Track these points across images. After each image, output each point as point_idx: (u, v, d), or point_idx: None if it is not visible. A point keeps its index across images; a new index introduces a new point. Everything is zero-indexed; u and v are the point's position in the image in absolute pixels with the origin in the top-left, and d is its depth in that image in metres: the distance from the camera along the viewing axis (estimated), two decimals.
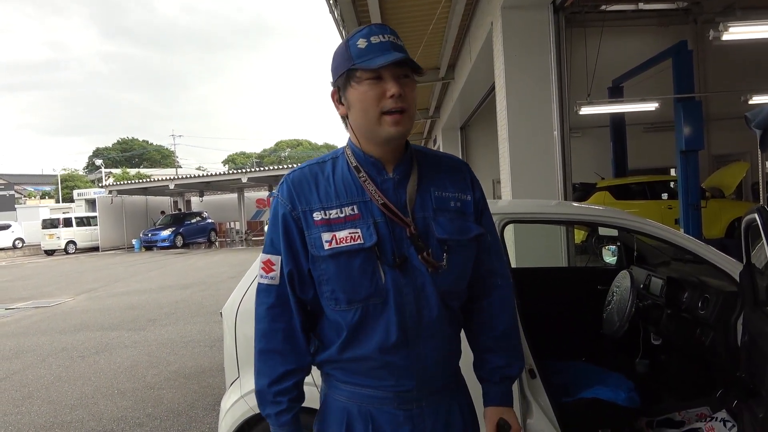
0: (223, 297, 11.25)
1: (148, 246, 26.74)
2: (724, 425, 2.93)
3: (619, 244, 4.05)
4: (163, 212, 30.04)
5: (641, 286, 3.54)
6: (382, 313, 1.40)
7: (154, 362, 6.28)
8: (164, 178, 31.99)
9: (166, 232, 26.74)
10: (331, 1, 6.99)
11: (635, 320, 3.30)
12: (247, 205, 30.82)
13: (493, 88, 11.25)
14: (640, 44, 12.76)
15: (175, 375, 5.73)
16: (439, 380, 1.48)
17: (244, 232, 29.40)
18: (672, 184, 11.78)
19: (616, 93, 12.24)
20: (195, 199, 33.01)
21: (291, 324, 1.47)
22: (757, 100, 10.62)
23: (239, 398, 2.81)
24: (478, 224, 1.51)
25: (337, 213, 1.40)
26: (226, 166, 72.76)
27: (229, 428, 2.81)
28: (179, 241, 26.85)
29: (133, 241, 27.51)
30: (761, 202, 5.46)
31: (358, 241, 1.37)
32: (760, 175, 5.47)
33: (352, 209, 1.40)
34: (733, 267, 2.69)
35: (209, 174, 31.89)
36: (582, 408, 2.86)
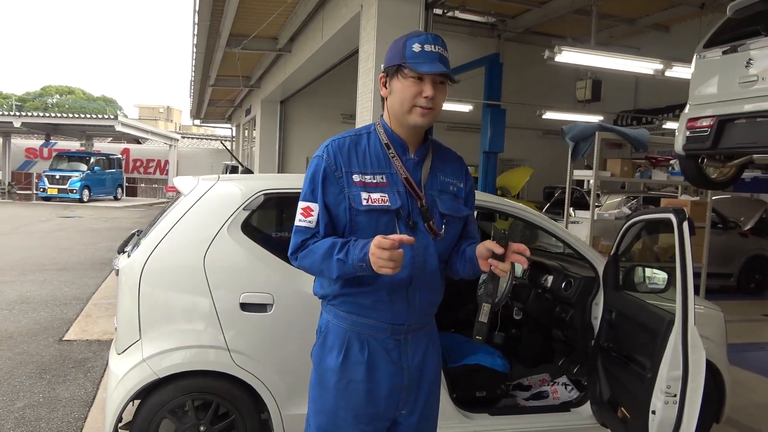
0: (2, 256, 9.74)
1: None
2: (565, 388, 3.52)
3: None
4: None
5: None
6: None
7: None
8: None
9: None
10: None
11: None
12: (14, 154, 26.86)
13: (331, 69, 11.40)
14: (451, 50, 13.83)
15: None
16: (424, 320, 1.86)
17: (8, 183, 25.52)
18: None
19: None
20: None
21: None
22: (548, 116, 12.31)
23: (140, 362, 2.63)
24: (467, 206, 1.92)
25: (371, 178, 1.77)
26: None
27: (124, 395, 2.63)
28: None
29: None
30: (567, 205, 6.46)
31: (387, 203, 1.74)
32: (567, 182, 6.47)
33: (382, 177, 1.77)
34: (591, 253, 3.23)
35: None
36: (466, 372, 3.22)
